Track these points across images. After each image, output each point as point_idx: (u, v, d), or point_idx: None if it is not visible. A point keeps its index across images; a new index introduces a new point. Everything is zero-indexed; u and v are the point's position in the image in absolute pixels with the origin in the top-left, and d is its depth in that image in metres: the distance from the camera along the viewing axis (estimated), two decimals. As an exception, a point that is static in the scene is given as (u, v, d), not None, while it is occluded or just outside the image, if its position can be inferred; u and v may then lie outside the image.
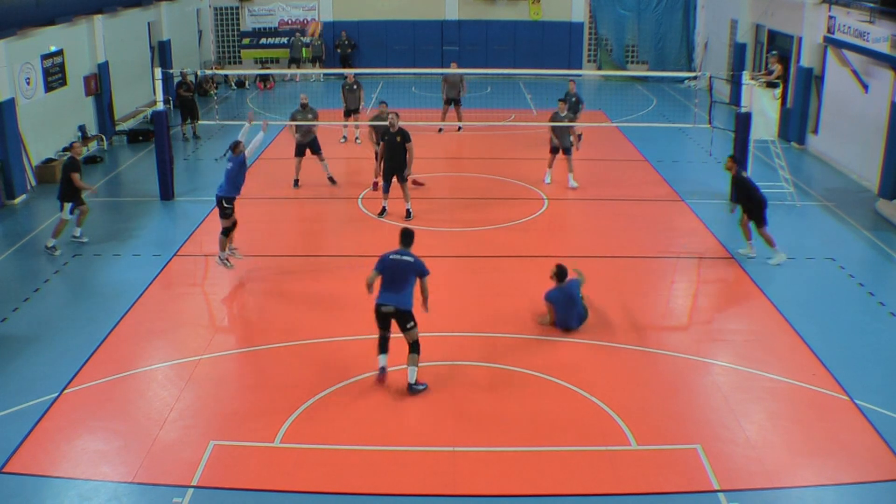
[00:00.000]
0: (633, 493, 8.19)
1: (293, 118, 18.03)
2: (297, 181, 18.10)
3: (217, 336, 11.51)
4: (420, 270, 9.93)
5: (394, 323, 9.87)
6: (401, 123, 15.74)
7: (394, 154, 15.65)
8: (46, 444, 8.88)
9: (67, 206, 14.42)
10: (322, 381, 10.12)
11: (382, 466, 8.60)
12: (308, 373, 10.39)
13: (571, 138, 17.78)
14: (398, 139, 15.61)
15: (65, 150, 19.67)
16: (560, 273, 11.46)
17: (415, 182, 17.65)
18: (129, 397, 9.91)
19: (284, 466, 8.55)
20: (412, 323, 9.84)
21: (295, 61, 31.65)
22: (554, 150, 17.95)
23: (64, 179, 14.40)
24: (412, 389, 9.91)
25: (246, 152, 13.34)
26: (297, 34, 32.07)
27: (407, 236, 10.22)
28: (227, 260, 13.34)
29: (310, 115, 17.97)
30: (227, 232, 13.35)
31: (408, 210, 15.90)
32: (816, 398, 9.93)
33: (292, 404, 9.62)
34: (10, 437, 8.93)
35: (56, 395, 9.82)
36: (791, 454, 8.84)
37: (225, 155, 13.38)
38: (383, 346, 9.97)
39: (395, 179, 15.87)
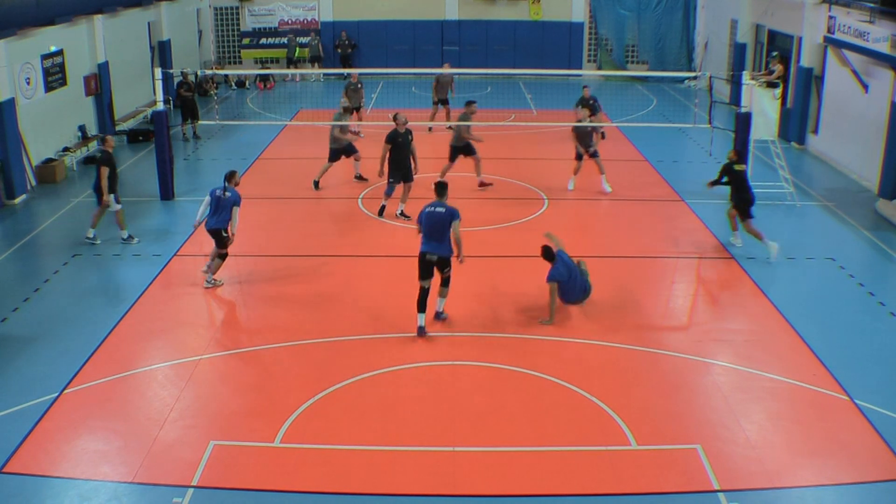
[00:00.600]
0: (633, 493, 8.20)
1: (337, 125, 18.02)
2: (317, 183, 18.05)
3: (217, 336, 11.51)
4: (452, 215, 11.09)
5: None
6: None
7: (405, 154, 15.66)
8: (46, 444, 8.88)
9: (111, 197, 14.56)
10: (322, 381, 10.13)
11: (382, 466, 8.60)
12: (308, 373, 10.40)
13: (594, 140, 17.70)
14: (410, 138, 15.69)
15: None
16: (547, 253, 11.75)
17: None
18: (129, 397, 9.91)
19: (284, 466, 8.55)
20: (449, 268, 11.39)
21: (292, 62, 31.70)
22: (579, 157, 17.82)
23: (98, 173, 14.61)
24: (438, 317, 11.47)
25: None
26: (291, 35, 32.12)
27: (441, 187, 11.50)
28: (216, 280, 13.15)
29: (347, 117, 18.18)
30: (224, 258, 13.08)
31: (401, 211, 15.88)
32: (816, 398, 9.92)
33: (292, 404, 9.63)
34: (10, 437, 8.93)
35: (56, 395, 9.82)
36: (791, 454, 8.84)
37: (227, 191, 12.98)
38: (422, 304, 11.18)
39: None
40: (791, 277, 13.49)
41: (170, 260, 14.09)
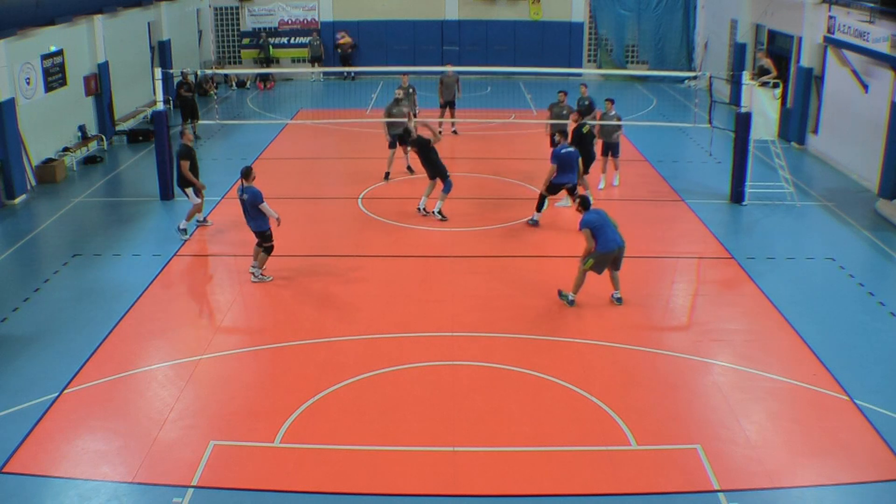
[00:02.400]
0: (633, 493, 8.20)
1: (388, 113, 18.25)
2: (388, 174, 18.37)
3: (217, 336, 11.51)
4: (579, 154, 15.51)
5: None
6: (407, 122, 15.90)
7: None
8: (46, 444, 8.89)
9: (190, 190, 14.93)
10: (322, 381, 10.13)
11: (382, 466, 8.61)
12: (308, 373, 10.40)
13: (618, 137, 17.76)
14: None
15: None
16: (584, 202, 12.26)
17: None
18: (129, 397, 9.91)
19: (284, 466, 8.56)
20: (574, 194, 15.01)
21: (267, 62, 31.82)
22: (604, 153, 17.75)
23: (178, 166, 14.94)
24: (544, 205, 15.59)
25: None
26: (263, 34, 32.16)
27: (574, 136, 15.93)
28: (263, 275, 13.19)
29: (404, 108, 18.19)
30: (270, 251, 13.12)
31: (438, 209, 15.95)
32: (816, 398, 9.93)
33: (292, 404, 9.63)
34: (10, 437, 8.94)
35: (56, 395, 9.82)
36: (791, 454, 8.84)
37: (244, 193, 12.98)
38: (540, 206, 15.61)
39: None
40: (791, 277, 13.49)
41: (170, 260, 14.09)
